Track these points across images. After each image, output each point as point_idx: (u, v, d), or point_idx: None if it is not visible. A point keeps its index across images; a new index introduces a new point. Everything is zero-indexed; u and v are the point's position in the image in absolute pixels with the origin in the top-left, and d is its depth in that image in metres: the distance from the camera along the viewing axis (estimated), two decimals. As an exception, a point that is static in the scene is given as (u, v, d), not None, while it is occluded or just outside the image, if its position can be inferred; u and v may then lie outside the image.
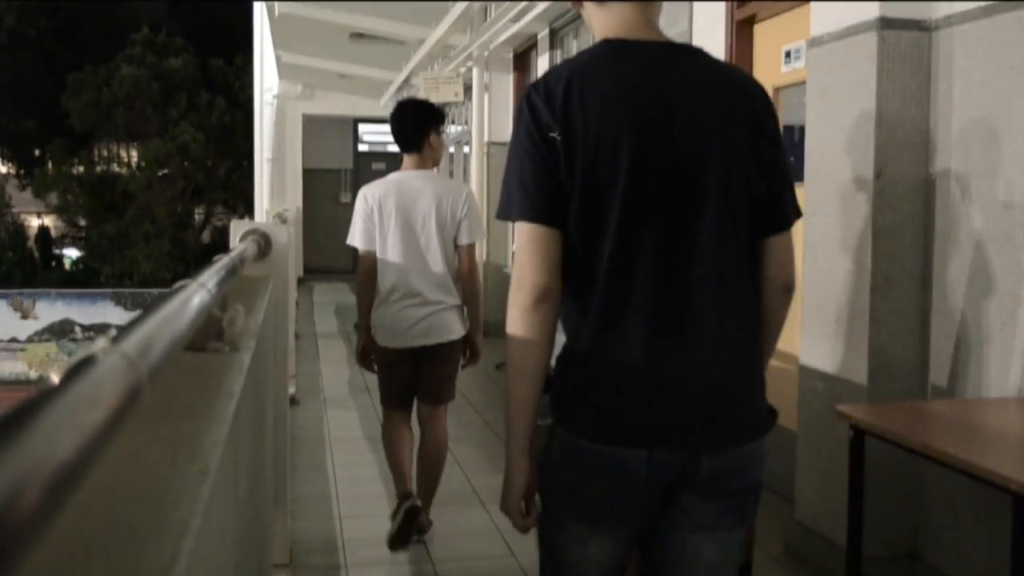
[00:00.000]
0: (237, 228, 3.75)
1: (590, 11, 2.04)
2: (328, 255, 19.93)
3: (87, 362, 0.73)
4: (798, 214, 2.04)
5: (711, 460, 1.90)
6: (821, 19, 4.19)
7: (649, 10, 2.02)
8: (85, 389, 0.66)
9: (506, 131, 11.75)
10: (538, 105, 1.89)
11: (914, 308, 3.89)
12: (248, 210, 21.41)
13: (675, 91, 1.91)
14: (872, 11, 3.84)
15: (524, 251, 1.92)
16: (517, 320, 1.91)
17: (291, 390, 7.42)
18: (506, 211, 1.93)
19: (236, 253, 1.94)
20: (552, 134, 1.86)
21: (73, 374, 0.68)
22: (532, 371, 1.93)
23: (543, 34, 10.09)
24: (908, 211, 3.88)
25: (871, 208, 3.86)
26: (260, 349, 2.58)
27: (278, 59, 15.74)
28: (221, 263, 1.66)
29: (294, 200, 17.62)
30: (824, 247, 4.15)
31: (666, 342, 1.88)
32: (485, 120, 11.63)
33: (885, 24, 3.82)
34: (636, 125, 1.86)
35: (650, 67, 1.93)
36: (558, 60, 9.82)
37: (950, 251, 3.77)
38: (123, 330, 0.98)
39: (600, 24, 2.02)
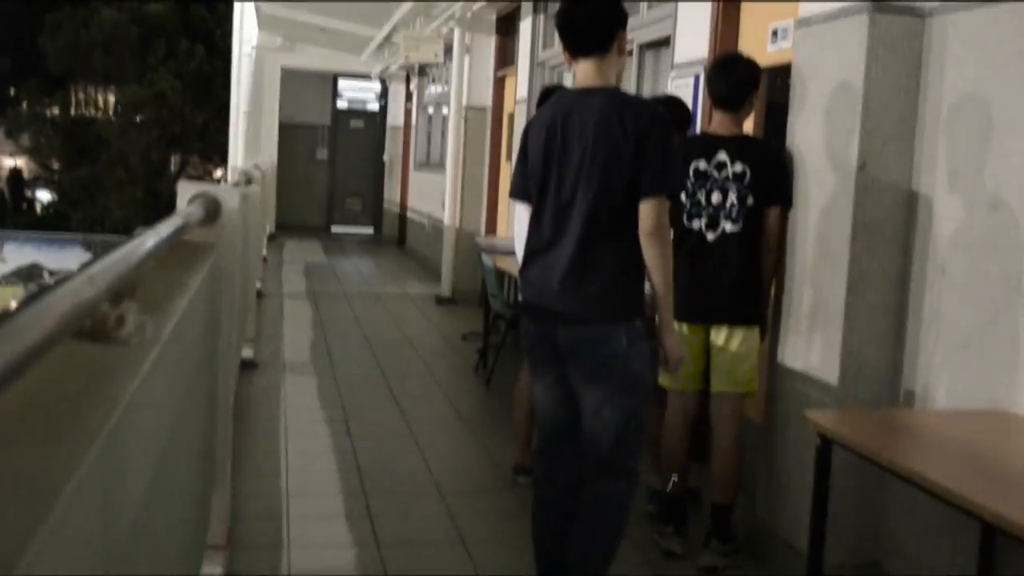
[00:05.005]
0: (184, 190, 3.54)
1: (572, 65, 3.38)
2: (301, 211, 19.66)
3: None
4: (660, 190, 3.18)
5: (564, 331, 3.27)
6: (811, -1, 4.00)
7: (602, 64, 3.31)
8: None
9: (486, 96, 11.52)
10: (524, 134, 3.50)
11: (891, 308, 3.73)
12: (224, 161, 21.07)
13: (574, 118, 3.27)
14: (865, -6, 3.65)
15: (517, 217, 3.78)
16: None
17: (249, 353, 7.24)
18: (510, 192, 3.60)
19: (146, 238, 1.72)
20: (524, 150, 3.47)
21: None
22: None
23: (527, -2, 9.84)
24: (890, 206, 3.71)
25: (852, 201, 3.69)
26: (187, 327, 2.39)
27: (258, 9, 15.40)
28: (119, 253, 1.46)
29: (269, 154, 17.32)
30: (801, 239, 3.98)
31: (546, 262, 3.30)
32: (464, 83, 11.36)
33: (878, 8, 3.63)
34: (544, 140, 3.33)
35: (567, 106, 3.32)
36: (541, 25, 9.58)
37: (932, 251, 3.60)
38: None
39: (574, 72, 3.39)
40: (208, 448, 3.41)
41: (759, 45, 5.10)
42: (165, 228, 2.20)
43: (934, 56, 3.62)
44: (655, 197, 3.18)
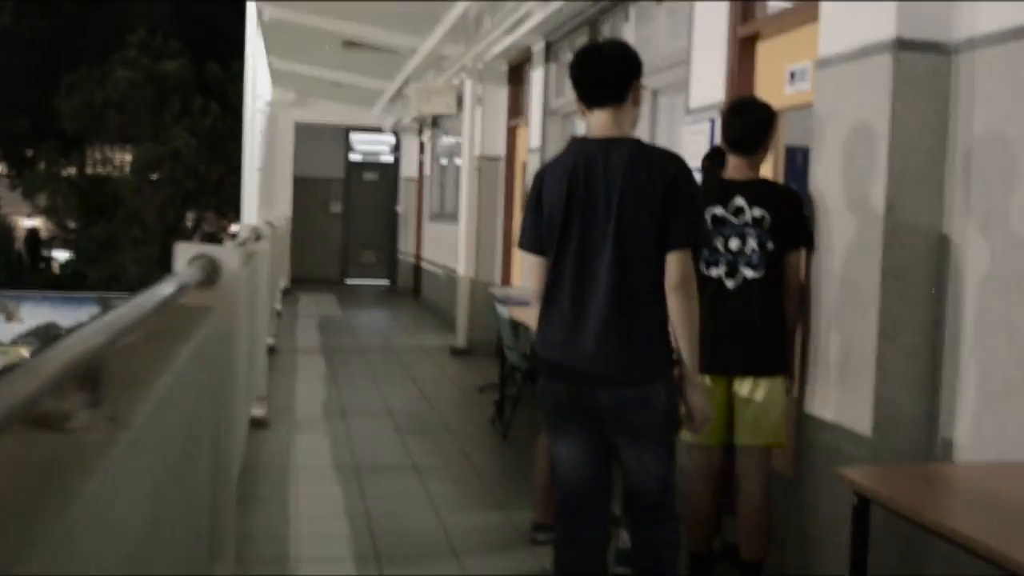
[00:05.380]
0: (183, 252, 3.39)
1: (587, 115, 3.29)
2: (316, 265, 19.56)
3: None
4: (688, 242, 3.12)
5: (605, 395, 3.16)
6: (831, 39, 3.86)
7: (618, 114, 3.22)
8: None
9: (499, 146, 11.42)
10: (536, 182, 3.34)
11: (924, 355, 3.55)
12: (239, 217, 21.04)
13: (598, 168, 3.16)
14: (888, 31, 3.51)
15: (526, 269, 3.40)
16: (530, 308, 3.60)
17: (261, 412, 7.07)
18: (520, 242, 3.42)
19: (116, 315, 1.55)
20: (538, 198, 3.30)
21: None
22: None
23: (538, 47, 9.75)
24: (921, 249, 3.55)
25: (881, 244, 3.53)
26: (175, 401, 2.23)
27: (270, 66, 15.41)
28: (76, 336, 1.28)
29: (284, 209, 17.26)
30: (828, 286, 3.82)
31: (574, 320, 3.18)
32: (477, 133, 11.27)
33: (902, 46, 3.48)
34: (567, 189, 3.19)
35: (589, 154, 3.21)
36: (553, 74, 9.49)
37: (965, 294, 3.43)
38: None
39: (588, 122, 3.31)
40: (209, 520, 3.24)
41: (776, 87, 4.96)
42: (146, 299, 2.03)
43: (963, 93, 3.47)
44: (681, 249, 3.12)
